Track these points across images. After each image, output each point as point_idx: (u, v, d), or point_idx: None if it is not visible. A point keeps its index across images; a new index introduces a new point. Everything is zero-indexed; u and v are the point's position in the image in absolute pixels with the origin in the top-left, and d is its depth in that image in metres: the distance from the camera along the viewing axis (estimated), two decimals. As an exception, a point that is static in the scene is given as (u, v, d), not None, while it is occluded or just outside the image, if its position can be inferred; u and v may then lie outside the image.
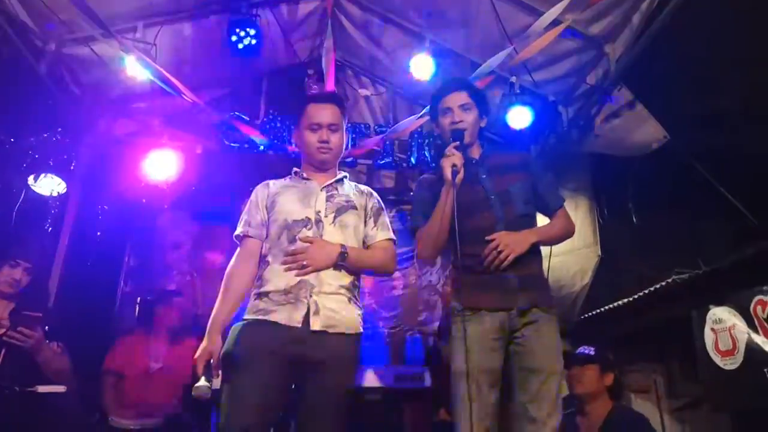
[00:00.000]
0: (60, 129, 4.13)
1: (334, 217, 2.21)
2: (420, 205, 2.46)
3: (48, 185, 4.00)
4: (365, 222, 2.30)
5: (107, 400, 3.60)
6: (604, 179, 4.24)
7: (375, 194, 2.41)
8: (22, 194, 3.89)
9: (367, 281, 4.89)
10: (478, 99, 2.43)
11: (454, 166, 2.19)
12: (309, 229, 2.15)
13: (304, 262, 2.07)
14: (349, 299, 2.15)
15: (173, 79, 3.69)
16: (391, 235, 2.34)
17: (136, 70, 3.67)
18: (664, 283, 3.45)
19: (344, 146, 2.46)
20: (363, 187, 2.43)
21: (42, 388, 2.66)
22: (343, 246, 2.14)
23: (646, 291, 3.59)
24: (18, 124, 3.78)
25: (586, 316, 4.25)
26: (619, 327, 4.11)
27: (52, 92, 3.81)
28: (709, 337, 3.21)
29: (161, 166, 4.41)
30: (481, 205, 2.30)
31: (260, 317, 2.06)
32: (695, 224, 3.48)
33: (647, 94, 3.47)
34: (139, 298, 4.51)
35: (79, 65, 3.94)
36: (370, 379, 3.57)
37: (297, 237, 2.14)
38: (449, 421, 2.25)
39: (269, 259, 2.17)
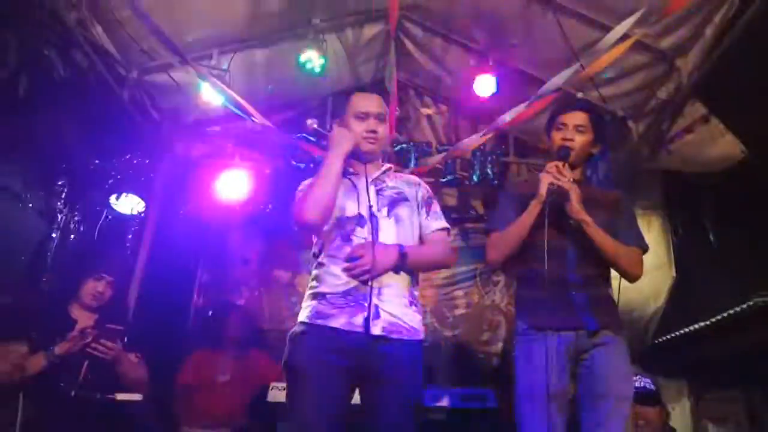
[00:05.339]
0: (140, 151, 4.40)
1: (388, 211, 2.15)
2: (503, 210, 2.42)
3: (128, 204, 4.25)
4: (418, 212, 2.23)
5: (178, 412, 3.74)
6: (678, 196, 4.07)
7: (423, 183, 2.34)
8: (104, 213, 4.15)
9: (428, 299, 4.88)
10: (597, 124, 2.39)
11: (551, 184, 2.18)
12: (363, 227, 2.08)
13: (365, 268, 1.99)
14: (410, 302, 2.09)
15: (245, 103, 3.84)
16: (445, 224, 2.26)
17: (210, 95, 3.86)
18: (745, 306, 3.26)
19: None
20: (410, 177, 2.38)
21: (120, 396, 2.81)
22: (401, 246, 2.07)
23: (725, 314, 3.40)
24: (102, 146, 4.04)
25: (660, 340, 4.07)
26: (695, 352, 3.90)
27: (133, 117, 4.04)
28: (795, 364, 3.02)
29: (233, 185, 4.60)
30: (558, 225, 2.24)
31: (319, 322, 2.00)
32: (777, 243, 3.28)
33: (723, 108, 3.33)
34: (210, 312, 4.68)
35: (159, 91, 4.17)
36: (435, 399, 3.55)
37: (351, 236, 2.08)
38: None
39: (323, 260, 2.11)
